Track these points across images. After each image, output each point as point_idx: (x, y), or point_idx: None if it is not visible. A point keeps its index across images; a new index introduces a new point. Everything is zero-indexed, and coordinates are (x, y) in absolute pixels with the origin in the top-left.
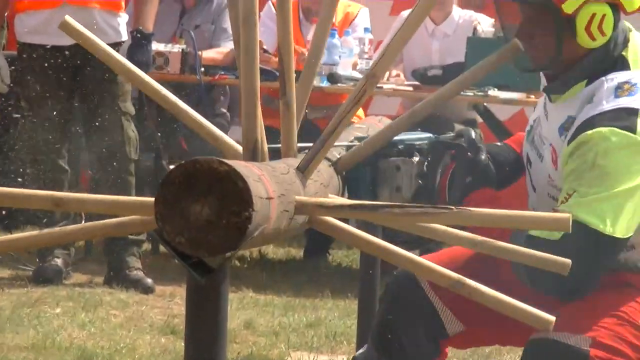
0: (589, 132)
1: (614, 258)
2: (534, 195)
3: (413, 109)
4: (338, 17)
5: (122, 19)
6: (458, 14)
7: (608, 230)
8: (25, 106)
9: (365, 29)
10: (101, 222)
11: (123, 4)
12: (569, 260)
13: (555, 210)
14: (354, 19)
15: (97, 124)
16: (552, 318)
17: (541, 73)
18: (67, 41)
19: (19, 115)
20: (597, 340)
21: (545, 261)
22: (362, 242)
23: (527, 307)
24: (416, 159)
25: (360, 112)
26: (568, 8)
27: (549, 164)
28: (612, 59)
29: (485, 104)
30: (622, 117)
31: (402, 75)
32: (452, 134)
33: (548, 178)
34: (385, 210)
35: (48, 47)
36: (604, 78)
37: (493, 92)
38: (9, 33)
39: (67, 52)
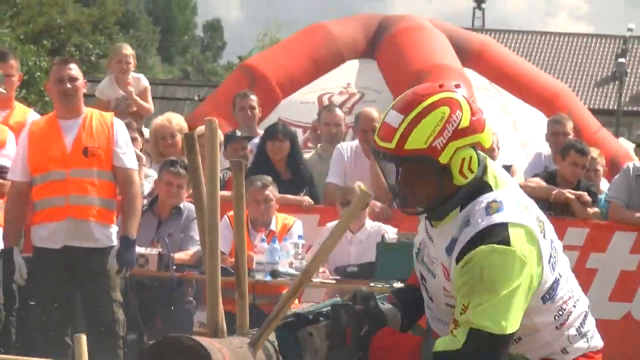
0: (473, 251)
1: (507, 350)
2: (432, 305)
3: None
4: (278, 227)
5: (113, 229)
6: (370, 224)
7: (501, 329)
8: (38, 295)
9: (299, 236)
10: None
11: (114, 217)
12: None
13: (454, 320)
14: (290, 229)
15: (93, 308)
16: None
17: None
18: (70, 246)
19: (33, 302)
20: None
21: None
22: None
23: None
24: (323, 323)
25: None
26: (444, 159)
27: (442, 279)
28: (477, 185)
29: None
30: (496, 233)
31: (327, 272)
32: (350, 294)
33: (443, 290)
34: None
35: (56, 250)
36: (475, 202)
37: (397, 284)
38: (26, 239)
39: (70, 255)
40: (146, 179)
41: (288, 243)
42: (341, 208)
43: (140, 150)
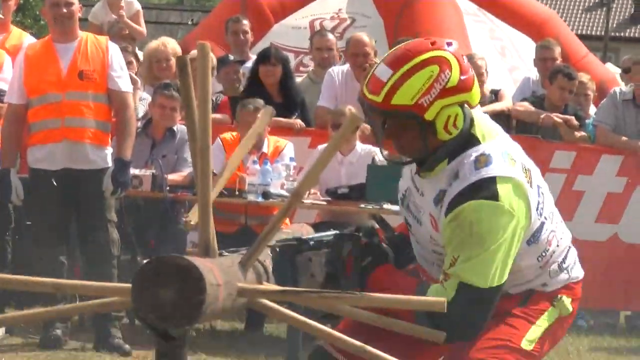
0: (462, 205)
1: (495, 302)
2: (418, 247)
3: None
4: (270, 149)
5: (108, 151)
6: (360, 147)
7: (489, 283)
8: (34, 215)
9: (291, 158)
10: (91, 302)
11: (109, 139)
12: (442, 300)
13: (444, 273)
14: (282, 151)
15: (88, 229)
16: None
17: None
18: (66, 167)
19: (29, 222)
20: None
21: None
22: (288, 318)
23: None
24: (324, 251)
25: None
26: (429, 116)
27: (428, 227)
28: (465, 138)
29: (381, 214)
30: (484, 188)
31: (318, 193)
32: (352, 227)
33: (430, 238)
34: (306, 294)
35: (52, 171)
36: (463, 155)
37: (387, 205)
38: (22, 161)
39: (66, 176)
40: (140, 102)
41: (280, 165)
42: (332, 131)
43: (135, 74)
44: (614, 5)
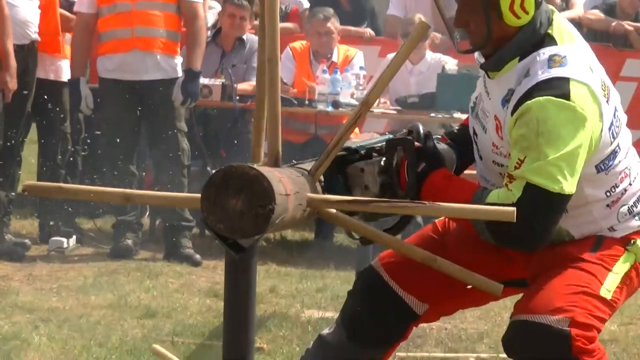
0: (529, 102)
1: (562, 214)
2: (480, 163)
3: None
4: (340, 58)
5: (178, 60)
6: (430, 56)
7: (558, 188)
8: (104, 125)
9: (360, 67)
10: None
11: (178, 49)
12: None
13: (509, 175)
14: (351, 60)
15: (158, 138)
16: (501, 286)
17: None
18: (136, 77)
19: (99, 132)
20: (575, 320)
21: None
22: (357, 227)
23: (481, 277)
24: (377, 159)
25: (356, 130)
26: None
27: (492, 134)
28: (539, 36)
29: (451, 123)
30: (556, 86)
31: (388, 103)
32: (404, 131)
33: (492, 147)
34: (375, 204)
35: (122, 81)
36: (535, 53)
37: (457, 114)
38: (92, 71)
39: (136, 86)
40: (210, 11)
41: (349, 74)
42: (401, 39)
43: None
44: None
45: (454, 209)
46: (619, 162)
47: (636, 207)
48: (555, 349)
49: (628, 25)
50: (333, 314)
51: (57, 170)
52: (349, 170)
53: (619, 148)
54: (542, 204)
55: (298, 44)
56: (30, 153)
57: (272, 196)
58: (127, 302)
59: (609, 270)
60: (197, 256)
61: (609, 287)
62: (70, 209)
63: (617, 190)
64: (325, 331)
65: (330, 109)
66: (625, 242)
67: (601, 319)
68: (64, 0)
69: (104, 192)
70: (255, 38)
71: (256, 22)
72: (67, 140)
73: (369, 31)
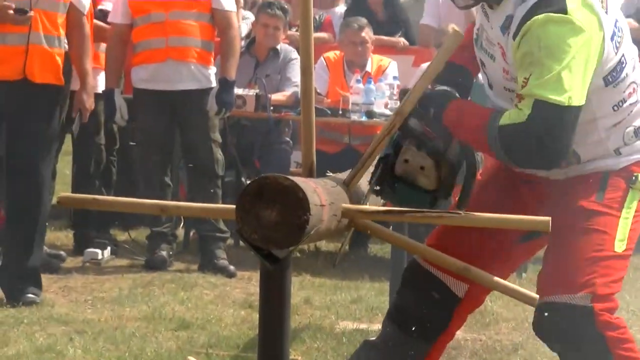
0: (529, 22)
1: (576, 126)
2: (491, 92)
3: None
4: (373, 68)
5: (212, 70)
6: None
7: (567, 101)
8: (139, 136)
9: (394, 77)
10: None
11: (212, 59)
12: (547, 219)
13: (518, 95)
14: (385, 70)
15: (192, 148)
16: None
17: None
18: (170, 87)
19: (134, 143)
20: (596, 294)
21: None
22: (392, 238)
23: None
24: (407, 146)
25: None
26: None
27: (501, 60)
28: None
29: None
30: (553, 3)
31: None
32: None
33: (503, 72)
34: (409, 214)
35: (156, 91)
36: None
37: None
38: (126, 81)
39: (170, 96)
40: (243, 21)
41: (383, 84)
42: (435, 49)
43: None
44: None
45: (489, 219)
46: (627, 75)
47: None
48: (581, 327)
49: None
50: (367, 326)
51: (92, 181)
52: (399, 171)
53: (625, 60)
54: (553, 118)
55: (332, 54)
56: (64, 165)
57: (306, 207)
58: (162, 314)
59: (618, 217)
60: (232, 267)
61: (621, 236)
62: (104, 221)
63: (624, 105)
64: (371, 338)
65: (364, 119)
66: (629, 177)
67: (619, 279)
68: (98, 10)
69: (139, 203)
70: (290, 48)
71: (290, 32)
72: (101, 152)
73: (402, 41)
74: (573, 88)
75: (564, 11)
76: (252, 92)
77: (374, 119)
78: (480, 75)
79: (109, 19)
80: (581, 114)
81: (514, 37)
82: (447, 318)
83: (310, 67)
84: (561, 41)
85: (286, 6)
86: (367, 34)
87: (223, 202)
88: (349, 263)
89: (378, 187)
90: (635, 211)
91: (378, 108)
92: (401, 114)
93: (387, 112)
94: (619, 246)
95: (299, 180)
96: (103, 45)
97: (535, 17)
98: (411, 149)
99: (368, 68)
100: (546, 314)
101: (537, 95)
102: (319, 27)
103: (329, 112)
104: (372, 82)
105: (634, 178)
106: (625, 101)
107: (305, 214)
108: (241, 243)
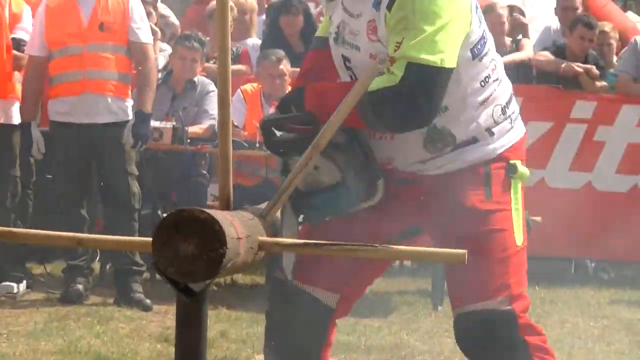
0: None
1: (445, 89)
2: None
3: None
4: None
5: (129, 103)
6: None
7: (440, 62)
8: (55, 168)
9: None
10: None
11: (130, 91)
12: (463, 252)
13: (390, 58)
14: None
15: (109, 181)
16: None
17: None
18: (87, 120)
19: (50, 176)
20: (512, 294)
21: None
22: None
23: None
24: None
25: None
26: None
27: (367, 43)
28: None
29: None
30: None
31: None
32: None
33: (370, 58)
34: (326, 247)
35: (73, 124)
36: None
37: None
38: (43, 114)
39: (87, 129)
40: (161, 53)
41: None
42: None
43: (155, 25)
44: None
45: (406, 252)
46: (489, 50)
47: (508, 108)
48: (504, 331)
49: (578, 66)
50: None
51: (7, 214)
52: (300, 187)
53: (486, 36)
54: (426, 79)
55: (249, 86)
56: None
57: (223, 240)
58: (77, 348)
59: (510, 210)
60: (148, 301)
61: (517, 229)
62: (20, 254)
63: (490, 81)
64: None
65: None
66: (506, 167)
67: (525, 272)
68: (11, 38)
69: (55, 236)
70: (207, 80)
71: (207, 64)
72: (16, 184)
73: None
74: (445, 50)
75: None
76: (169, 124)
77: None
78: (342, 78)
79: (26, 51)
80: (453, 91)
81: (389, 8)
82: (327, 335)
83: (227, 99)
84: (435, 5)
85: (203, 38)
86: (285, 66)
87: (139, 235)
88: (266, 296)
89: (301, 219)
90: (523, 201)
91: None
92: (317, 147)
93: None
94: (519, 239)
95: (216, 213)
96: (18, 75)
97: None
98: (293, 159)
99: None
100: (468, 323)
101: (410, 57)
102: (236, 59)
103: (246, 144)
104: None
105: (511, 167)
106: (490, 77)
107: (221, 247)
108: (157, 276)
